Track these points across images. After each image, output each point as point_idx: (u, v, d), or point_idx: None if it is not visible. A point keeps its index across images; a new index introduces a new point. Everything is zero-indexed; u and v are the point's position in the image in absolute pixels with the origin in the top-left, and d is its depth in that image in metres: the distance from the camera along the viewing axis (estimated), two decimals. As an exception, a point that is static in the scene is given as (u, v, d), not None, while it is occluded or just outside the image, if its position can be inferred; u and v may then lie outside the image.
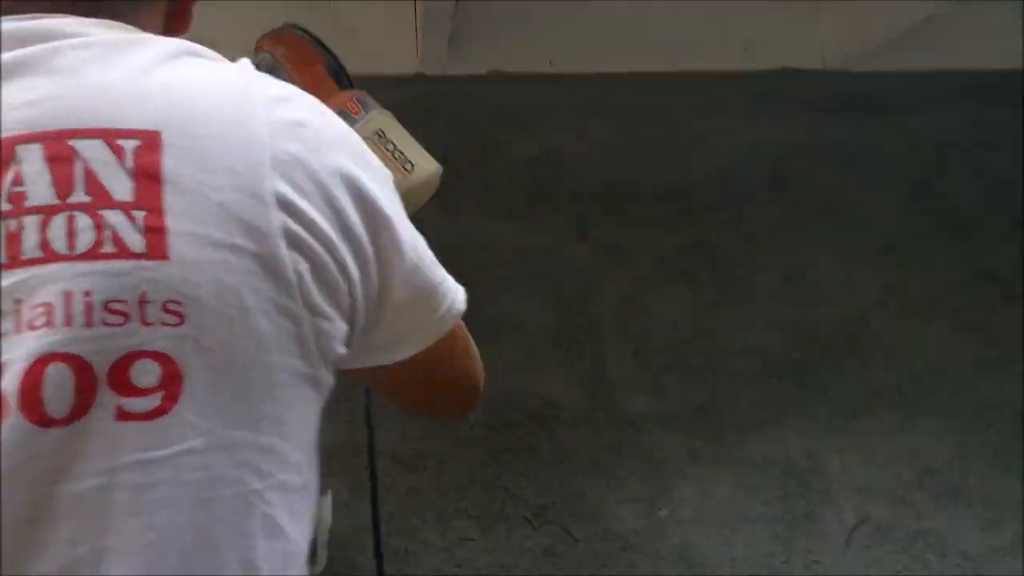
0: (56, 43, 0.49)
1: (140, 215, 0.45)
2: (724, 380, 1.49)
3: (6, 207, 0.44)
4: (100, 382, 0.42)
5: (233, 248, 0.45)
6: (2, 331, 0.42)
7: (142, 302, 0.44)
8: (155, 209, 0.45)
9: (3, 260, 0.43)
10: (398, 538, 1.35)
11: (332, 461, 1.32)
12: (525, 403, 1.45)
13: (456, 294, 0.60)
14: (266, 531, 0.46)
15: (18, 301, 0.43)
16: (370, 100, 0.87)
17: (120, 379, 0.43)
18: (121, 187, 0.45)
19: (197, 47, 0.53)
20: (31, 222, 0.44)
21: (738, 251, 1.57)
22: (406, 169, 0.83)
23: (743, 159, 1.62)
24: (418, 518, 1.37)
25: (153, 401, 0.43)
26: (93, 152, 0.46)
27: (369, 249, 0.50)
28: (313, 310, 0.47)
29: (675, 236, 1.56)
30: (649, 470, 1.43)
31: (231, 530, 0.45)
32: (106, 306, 0.43)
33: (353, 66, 1.33)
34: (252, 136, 0.48)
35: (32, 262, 0.43)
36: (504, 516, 1.39)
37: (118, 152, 0.46)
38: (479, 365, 0.72)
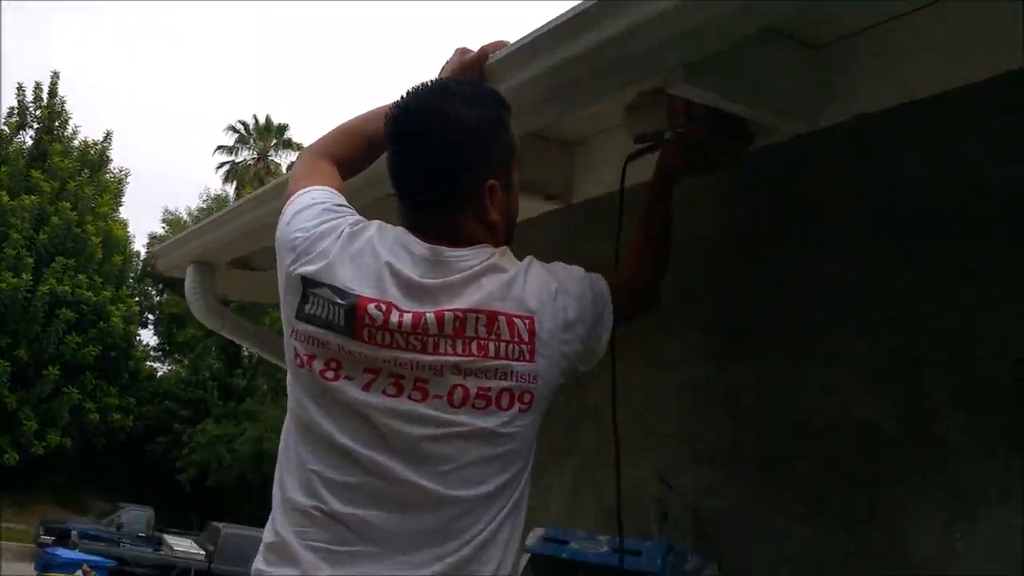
0: (483, 270, 1.34)
1: (527, 348, 1.31)
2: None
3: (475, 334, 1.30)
4: None
5: (552, 355, 1.34)
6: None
7: (523, 377, 1.31)
8: (532, 344, 1.31)
9: (474, 353, 1.28)
10: (748, 524, 1.73)
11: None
12: (853, 423, 1.61)
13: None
14: None
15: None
16: None
17: None
18: (526, 335, 1.32)
19: (513, 263, 1.39)
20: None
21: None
22: None
23: None
24: (765, 507, 1.71)
25: None
26: (513, 322, 1.32)
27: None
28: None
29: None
30: (950, 497, 1.42)
31: None
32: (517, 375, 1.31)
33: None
34: (546, 304, 1.36)
35: (482, 358, 1.29)
36: (828, 519, 1.61)
37: (526, 323, 1.32)
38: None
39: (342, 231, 1.39)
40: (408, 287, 1.32)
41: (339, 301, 1.32)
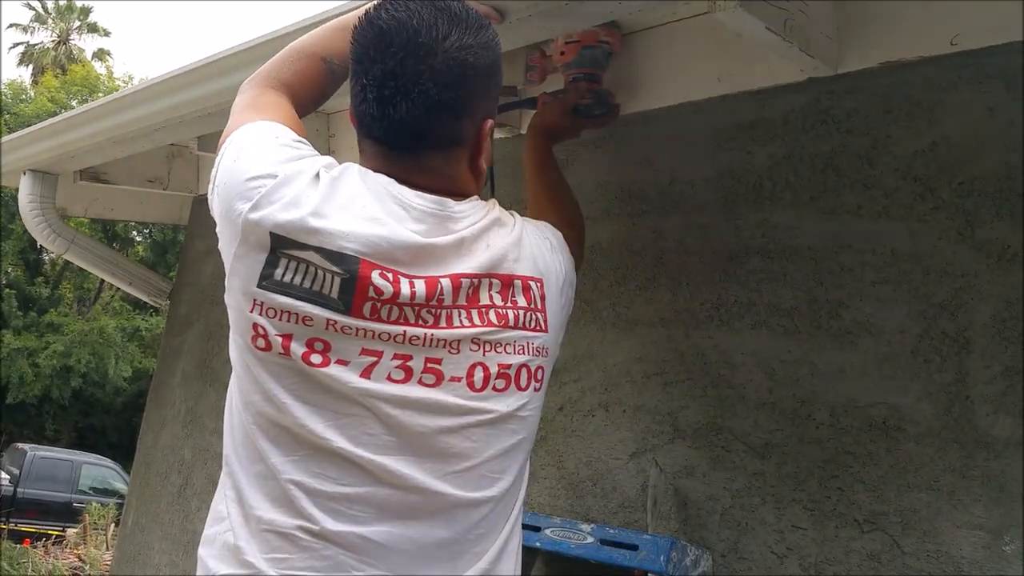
0: (488, 225, 1.14)
1: (541, 316, 1.15)
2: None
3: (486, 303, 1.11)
4: None
5: (557, 323, 1.19)
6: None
7: (539, 350, 1.14)
8: (544, 311, 1.16)
9: (494, 323, 1.10)
10: (740, 512, 1.57)
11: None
12: (870, 411, 1.46)
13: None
14: None
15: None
16: None
17: None
18: (539, 300, 1.16)
19: (511, 217, 1.20)
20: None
21: None
22: None
23: None
24: (759, 499, 1.56)
25: None
26: (529, 286, 1.15)
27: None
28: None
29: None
30: (1000, 499, 1.31)
31: None
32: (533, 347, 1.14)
33: (747, 82, 1.58)
34: (550, 263, 1.22)
35: (502, 328, 1.10)
36: (836, 514, 1.47)
37: (538, 287, 1.16)
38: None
39: (315, 173, 1.11)
40: (413, 249, 1.08)
41: (332, 268, 1.05)
